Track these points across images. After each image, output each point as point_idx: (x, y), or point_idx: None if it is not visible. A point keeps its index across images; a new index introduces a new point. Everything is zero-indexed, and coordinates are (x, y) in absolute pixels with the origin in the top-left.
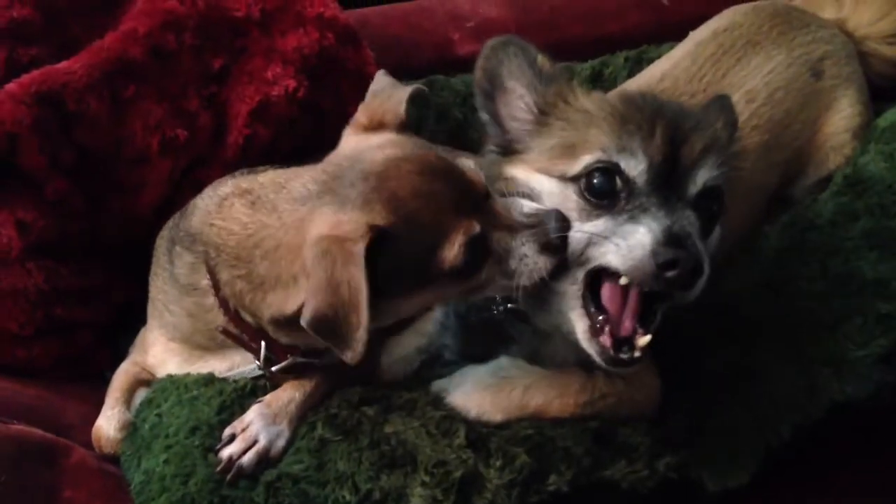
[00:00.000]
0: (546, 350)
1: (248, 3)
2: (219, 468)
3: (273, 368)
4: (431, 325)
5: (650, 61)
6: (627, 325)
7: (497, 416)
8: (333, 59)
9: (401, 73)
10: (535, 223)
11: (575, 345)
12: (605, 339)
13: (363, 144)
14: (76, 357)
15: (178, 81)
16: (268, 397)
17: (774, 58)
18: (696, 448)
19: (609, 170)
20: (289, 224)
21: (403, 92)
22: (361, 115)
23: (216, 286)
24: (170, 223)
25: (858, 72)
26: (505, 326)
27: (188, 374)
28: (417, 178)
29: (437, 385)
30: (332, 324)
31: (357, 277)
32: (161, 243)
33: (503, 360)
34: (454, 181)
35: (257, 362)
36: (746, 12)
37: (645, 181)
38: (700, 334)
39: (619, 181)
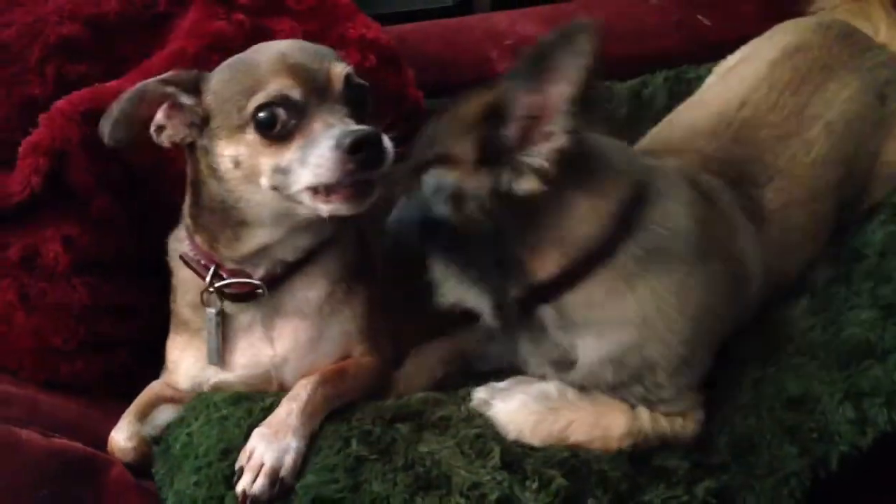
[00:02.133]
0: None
1: (293, 25)
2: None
3: (215, 285)
4: (471, 335)
5: (689, 82)
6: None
7: (535, 442)
8: (374, 82)
9: (439, 91)
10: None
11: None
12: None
13: None
14: (117, 373)
15: None
16: (267, 419)
17: (849, 84)
18: (740, 475)
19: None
20: None
21: None
22: None
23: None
24: None
25: None
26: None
27: (217, 392)
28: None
29: (479, 395)
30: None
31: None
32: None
33: (551, 387)
34: (316, 54)
35: (205, 283)
36: (814, 30)
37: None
38: (748, 361)
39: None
